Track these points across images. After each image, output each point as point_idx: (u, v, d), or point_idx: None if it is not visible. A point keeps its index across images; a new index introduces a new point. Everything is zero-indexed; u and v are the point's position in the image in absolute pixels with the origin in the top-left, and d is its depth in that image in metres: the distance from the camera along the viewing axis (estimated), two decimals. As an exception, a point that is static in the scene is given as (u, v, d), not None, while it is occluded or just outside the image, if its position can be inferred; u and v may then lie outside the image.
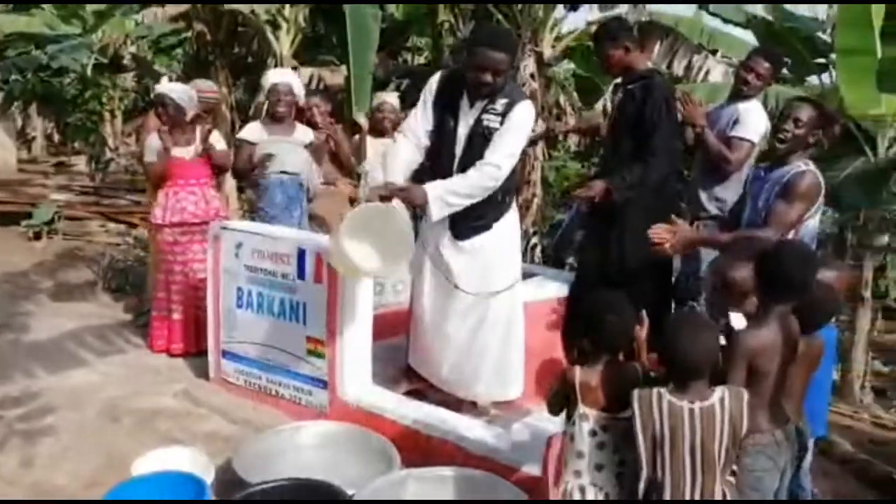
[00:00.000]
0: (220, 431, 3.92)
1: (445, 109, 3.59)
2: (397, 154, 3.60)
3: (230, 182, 5.28)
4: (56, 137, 15.27)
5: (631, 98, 4.00)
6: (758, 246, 2.82)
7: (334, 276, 3.69)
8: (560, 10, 7.20)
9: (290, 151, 4.82)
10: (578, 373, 2.47)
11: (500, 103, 3.52)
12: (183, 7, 8.23)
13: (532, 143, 5.97)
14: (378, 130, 5.21)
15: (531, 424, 3.35)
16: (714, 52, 7.17)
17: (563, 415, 2.62)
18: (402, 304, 4.35)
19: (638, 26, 6.58)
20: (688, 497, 2.25)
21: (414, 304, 3.89)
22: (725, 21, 7.31)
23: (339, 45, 8.08)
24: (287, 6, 7.48)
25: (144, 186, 5.30)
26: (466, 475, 3.07)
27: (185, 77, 7.62)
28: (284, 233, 4.13)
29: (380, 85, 7.28)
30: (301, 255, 3.82)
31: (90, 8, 10.33)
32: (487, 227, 3.67)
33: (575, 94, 10.67)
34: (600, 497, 2.44)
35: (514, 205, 3.85)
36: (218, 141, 5.01)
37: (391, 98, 5.39)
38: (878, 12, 5.01)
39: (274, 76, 5.00)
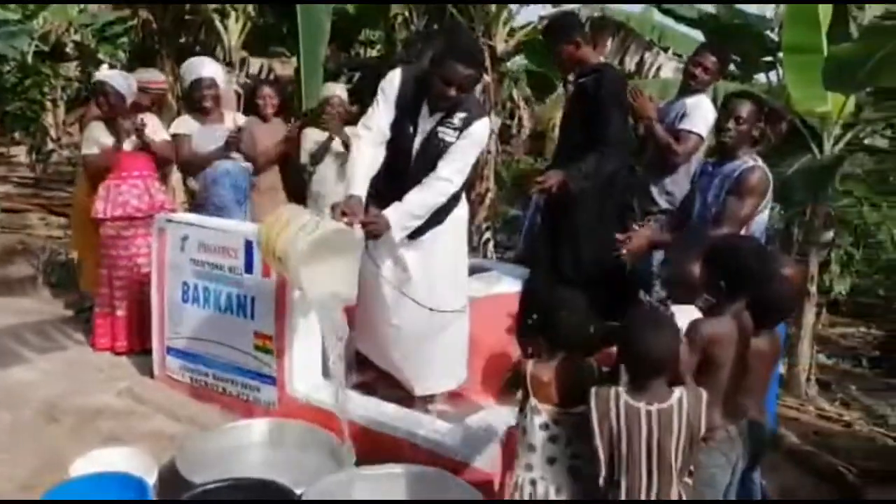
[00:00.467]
0: (164, 430, 3.81)
1: (404, 112, 3.51)
2: (362, 162, 3.46)
3: (176, 174, 5.13)
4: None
5: (583, 91, 4.00)
6: (709, 241, 2.83)
7: (283, 270, 3.61)
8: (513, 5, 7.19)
9: (224, 139, 4.73)
10: (530, 366, 2.44)
11: (458, 117, 3.47)
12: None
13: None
14: (319, 124, 5.13)
15: (483, 420, 3.32)
16: (665, 50, 7.23)
17: (516, 410, 2.60)
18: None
19: (590, 22, 6.60)
20: (643, 497, 2.23)
21: (363, 293, 3.81)
22: (677, 18, 7.37)
23: (289, 36, 7.94)
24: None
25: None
26: (417, 472, 3.02)
27: (130, 67, 7.40)
28: (231, 225, 4.03)
29: (330, 77, 7.16)
30: (248, 248, 3.73)
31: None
32: (440, 221, 3.63)
33: (528, 89, 10.68)
34: (552, 490, 2.41)
35: (464, 199, 3.82)
36: (158, 131, 4.84)
37: (340, 91, 5.31)
38: (825, 11, 5.08)
39: (195, 69, 4.88)
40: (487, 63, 6.76)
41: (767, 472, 3.57)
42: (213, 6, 7.24)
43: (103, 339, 4.80)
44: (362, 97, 3.77)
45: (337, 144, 4.97)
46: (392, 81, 3.54)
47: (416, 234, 3.59)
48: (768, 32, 6.95)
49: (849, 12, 5.67)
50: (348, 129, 4.72)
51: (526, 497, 2.43)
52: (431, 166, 3.47)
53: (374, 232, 3.36)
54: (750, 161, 3.30)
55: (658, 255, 4.03)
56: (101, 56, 11.20)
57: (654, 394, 2.24)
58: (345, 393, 3.19)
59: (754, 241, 2.83)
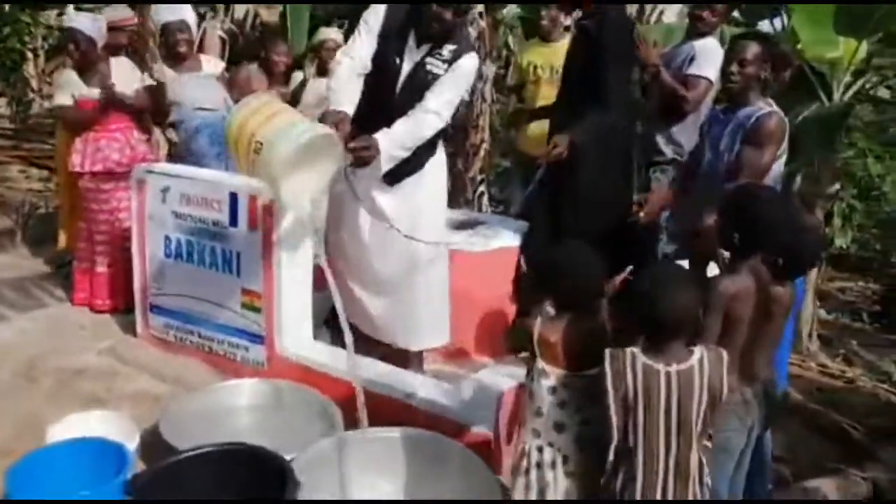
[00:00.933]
0: (148, 391, 3.65)
1: (389, 42, 3.35)
2: (346, 79, 3.33)
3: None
4: (-25, 78, 14.33)
5: (585, 33, 3.78)
6: (725, 193, 2.66)
7: (270, 223, 3.42)
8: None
9: (203, 87, 4.48)
10: (537, 326, 2.27)
11: (448, 50, 3.35)
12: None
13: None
14: (322, 70, 4.89)
15: (481, 381, 3.17)
16: (668, -6, 6.96)
17: (517, 370, 2.45)
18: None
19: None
20: (661, 464, 2.08)
21: (339, 251, 3.65)
22: (679, -39, 7.09)
23: (275, -20, 7.64)
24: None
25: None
26: (412, 436, 2.88)
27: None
28: (215, 176, 3.81)
29: (322, 23, 6.88)
30: (233, 200, 3.53)
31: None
32: (421, 165, 3.51)
33: (523, 37, 10.37)
34: (559, 458, 2.27)
35: (441, 146, 3.67)
36: (130, 80, 4.54)
37: (335, 34, 5.06)
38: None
39: (163, 14, 4.60)
40: (482, 8, 6.51)
41: (772, 430, 3.47)
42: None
43: (81, 294, 4.61)
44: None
45: None
46: (377, 12, 3.38)
47: (396, 179, 3.45)
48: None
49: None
50: None
51: (534, 464, 2.28)
52: (418, 97, 3.33)
53: (365, 158, 3.20)
54: (765, 107, 3.11)
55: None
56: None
57: (673, 354, 2.08)
58: (353, 357, 3.01)
59: (774, 191, 2.66)
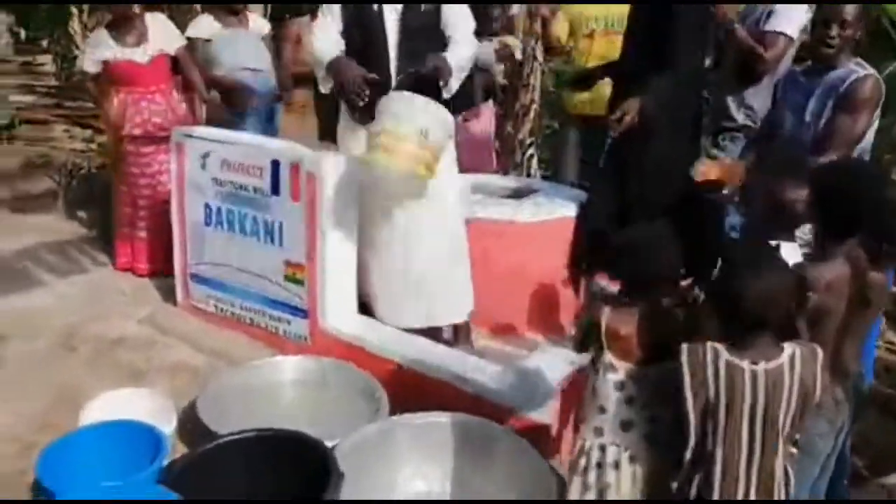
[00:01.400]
0: (187, 363, 3.54)
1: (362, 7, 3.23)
2: (332, 30, 3.25)
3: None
4: (24, 34, 14.31)
5: None
6: (816, 168, 2.39)
7: (314, 193, 3.24)
8: None
9: (250, 46, 4.26)
10: (606, 316, 2.05)
11: None
12: None
13: None
14: None
15: (536, 363, 2.97)
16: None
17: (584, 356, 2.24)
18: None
19: None
20: (742, 471, 1.87)
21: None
22: None
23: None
24: None
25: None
26: (462, 422, 2.70)
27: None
28: (256, 141, 3.62)
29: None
30: (275, 167, 3.35)
31: None
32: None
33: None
34: (624, 458, 2.07)
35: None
36: (171, 38, 4.36)
37: None
38: None
39: None
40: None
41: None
42: None
43: (124, 258, 4.52)
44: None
45: None
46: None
47: None
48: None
49: None
50: None
51: (593, 464, 2.08)
52: (423, 48, 3.20)
53: (444, 74, 3.19)
54: (859, 70, 2.82)
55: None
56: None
57: (761, 351, 1.85)
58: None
59: (872, 166, 2.39)
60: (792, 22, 3.66)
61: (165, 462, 2.37)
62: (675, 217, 3.33)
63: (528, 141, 6.27)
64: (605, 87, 3.78)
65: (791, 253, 2.30)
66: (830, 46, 2.89)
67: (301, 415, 2.86)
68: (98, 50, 4.26)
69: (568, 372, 2.85)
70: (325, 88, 3.31)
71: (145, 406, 2.74)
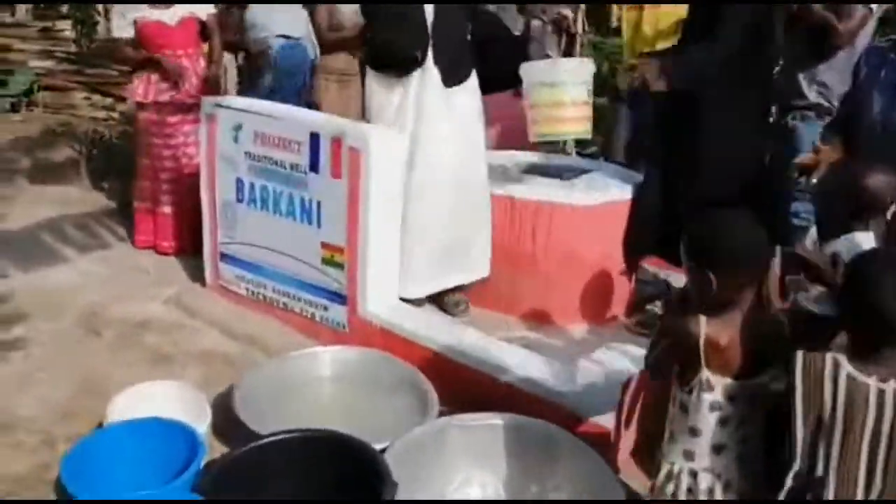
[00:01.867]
0: (218, 349, 3.33)
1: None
2: None
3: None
4: (43, -2, 14.02)
5: None
6: None
7: (357, 170, 3.01)
8: None
9: (286, 10, 3.99)
10: (703, 326, 1.80)
11: None
12: None
13: None
14: None
15: (597, 361, 2.74)
16: None
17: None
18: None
19: None
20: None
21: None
22: None
23: None
24: None
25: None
26: (521, 425, 2.48)
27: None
28: (294, 113, 3.38)
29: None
30: (315, 141, 3.11)
31: None
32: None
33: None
34: (718, 487, 1.83)
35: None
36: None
37: None
38: None
39: None
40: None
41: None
42: None
43: (143, 236, 4.32)
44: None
45: None
46: None
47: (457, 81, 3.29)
48: None
49: None
50: None
51: (684, 490, 1.85)
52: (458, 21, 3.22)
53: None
54: (956, 44, 2.54)
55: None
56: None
57: (891, 366, 1.61)
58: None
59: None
60: None
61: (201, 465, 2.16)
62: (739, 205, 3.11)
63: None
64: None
65: (868, 244, 2.08)
66: None
67: (345, 412, 2.65)
68: (129, 11, 4.03)
69: (634, 373, 2.61)
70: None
71: (177, 400, 2.54)
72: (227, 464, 2.17)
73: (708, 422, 1.82)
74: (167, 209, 4.24)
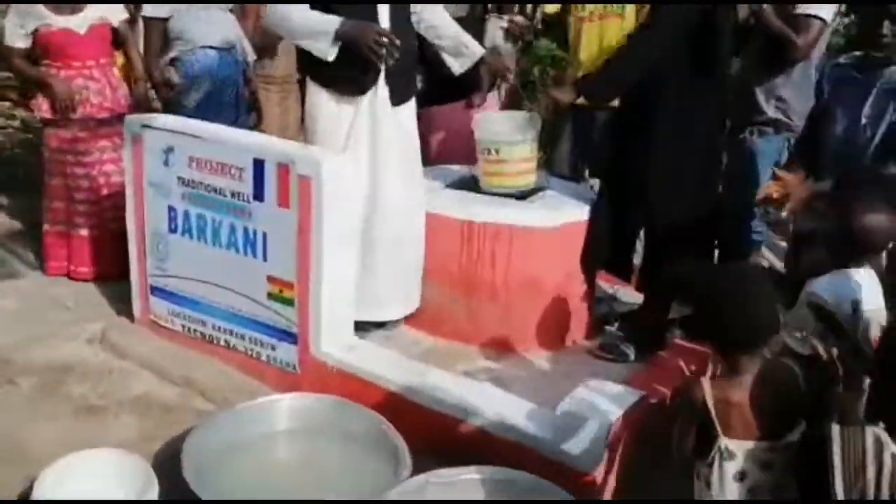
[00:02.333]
0: (153, 395, 3.02)
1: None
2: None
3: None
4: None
5: None
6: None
7: (307, 199, 2.75)
8: None
9: (214, 20, 3.67)
10: (708, 389, 1.65)
11: None
12: None
13: None
14: None
15: (581, 400, 2.57)
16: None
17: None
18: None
19: None
20: None
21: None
22: None
23: None
24: None
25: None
26: (507, 479, 2.30)
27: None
28: (234, 136, 3.06)
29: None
30: (259, 168, 2.84)
31: None
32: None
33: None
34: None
35: None
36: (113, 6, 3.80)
37: None
38: None
39: None
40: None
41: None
42: None
43: (55, 262, 3.93)
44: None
45: None
46: None
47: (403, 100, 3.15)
48: None
49: None
50: None
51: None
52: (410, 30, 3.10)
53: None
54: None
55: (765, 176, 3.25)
56: None
57: None
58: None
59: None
60: (826, 4, 3.32)
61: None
62: (692, 232, 3.01)
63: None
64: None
65: (868, 280, 2.01)
66: (884, 47, 2.64)
67: (307, 471, 2.42)
68: (28, 18, 3.62)
69: (618, 414, 2.47)
70: (330, 55, 2.84)
71: (115, 472, 2.23)
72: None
73: (733, 493, 1.67)
74: (84, 231, 3.86)
